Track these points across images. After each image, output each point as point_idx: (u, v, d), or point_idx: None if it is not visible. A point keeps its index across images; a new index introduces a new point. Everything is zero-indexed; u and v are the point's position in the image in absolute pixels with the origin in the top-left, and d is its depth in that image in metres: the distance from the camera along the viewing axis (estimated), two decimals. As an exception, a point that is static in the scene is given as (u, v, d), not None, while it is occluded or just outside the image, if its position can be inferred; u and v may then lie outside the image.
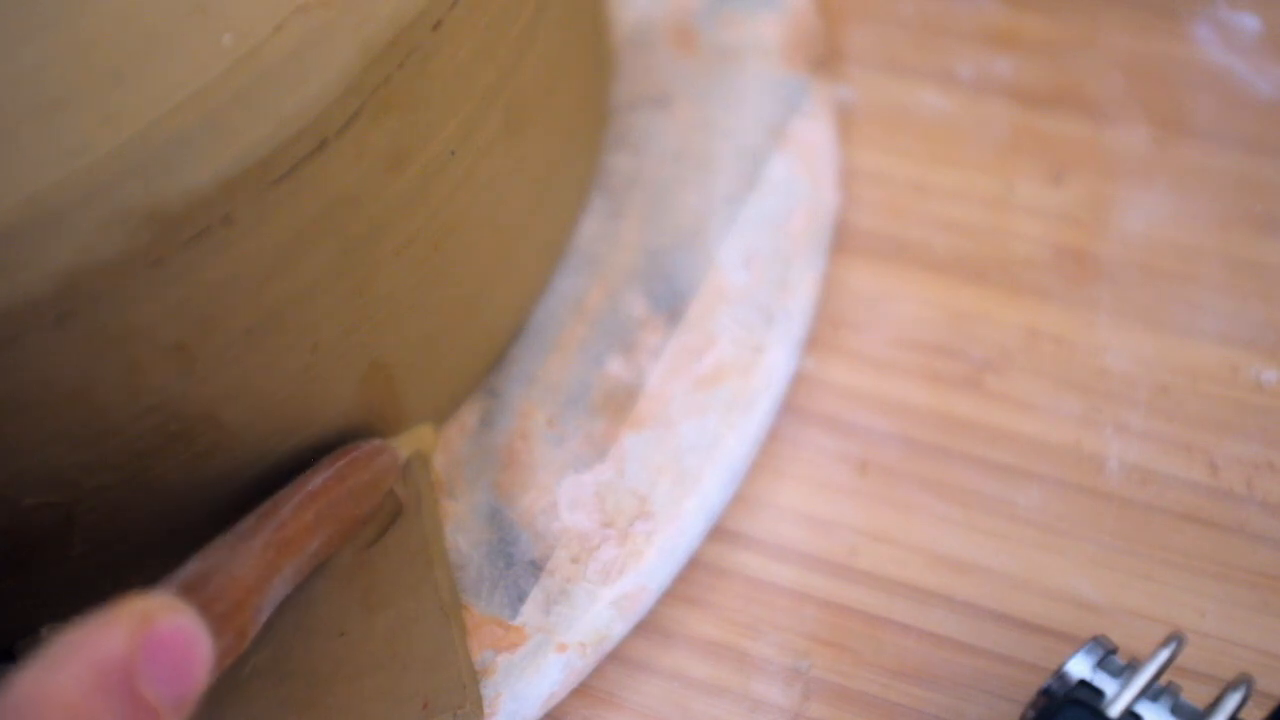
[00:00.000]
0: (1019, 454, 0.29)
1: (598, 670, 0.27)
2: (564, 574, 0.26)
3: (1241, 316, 0.30)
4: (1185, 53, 0.35)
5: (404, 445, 0.27)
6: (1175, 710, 0.22)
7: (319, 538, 0.23)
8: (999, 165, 0.33)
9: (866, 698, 0.26)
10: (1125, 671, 0.22)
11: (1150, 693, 0.22)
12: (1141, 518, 0.28)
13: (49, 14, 0.19)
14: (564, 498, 0.27)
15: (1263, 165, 0.33)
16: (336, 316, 0.23)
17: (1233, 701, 0.22)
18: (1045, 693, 0.23)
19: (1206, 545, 0.28)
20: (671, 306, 0.30)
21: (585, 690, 0.27)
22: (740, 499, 0.29)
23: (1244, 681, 0.22)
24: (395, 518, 0.26)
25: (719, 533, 0.28)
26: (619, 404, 0.28)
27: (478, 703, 0.25)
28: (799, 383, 0.30)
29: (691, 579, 0.28)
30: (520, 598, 0.26)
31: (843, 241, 0.32)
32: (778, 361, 0.29)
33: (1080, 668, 0.22)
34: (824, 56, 0.34)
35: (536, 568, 0.27)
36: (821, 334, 0.31)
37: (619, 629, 0.26)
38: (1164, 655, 0.22)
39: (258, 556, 0.21)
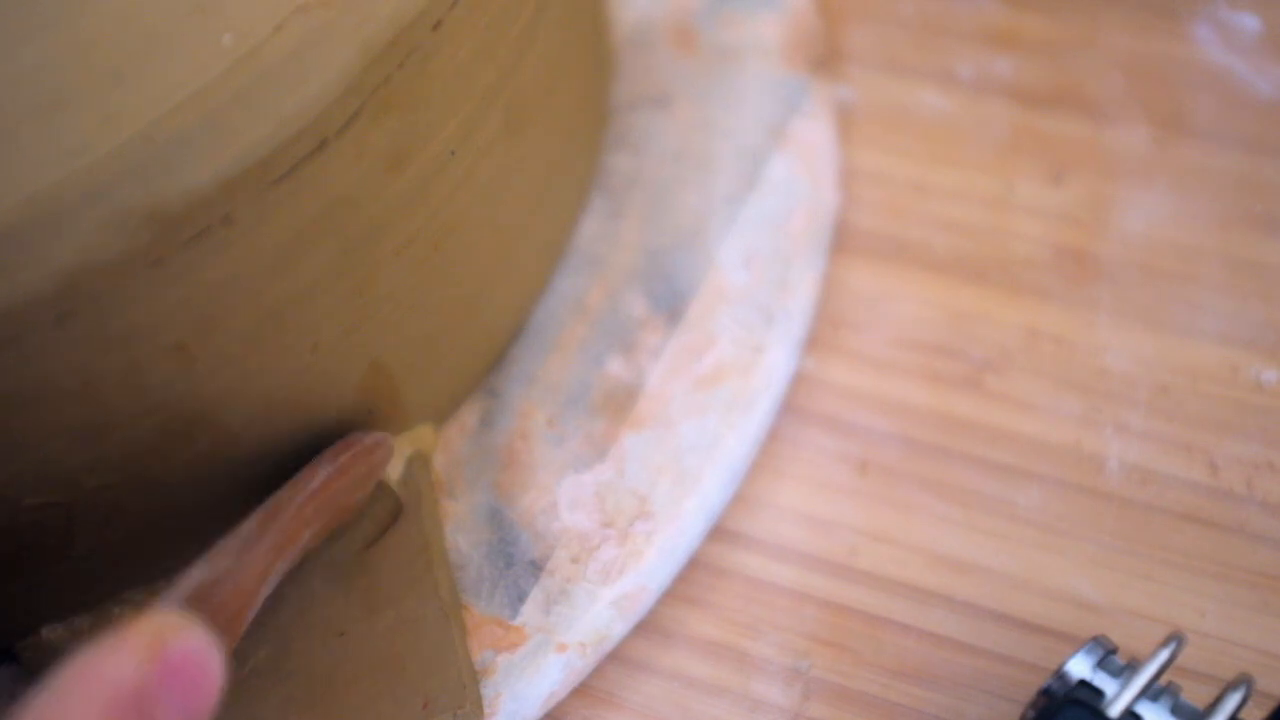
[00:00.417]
0: (1019, 454, 0.29)
1: (598, 670, 0.27)
2: (564, 574, 0.26)
3: (1241, 316, 0.30)
4: (1185, 53, 0.35)
5: (404, 445, 0.27)
6: (1175, 710, 0.22)
7: (313, 530, 0.23)
8: (999, 165, 0.33)
9: (866, 698, 0.26)
10: (1125, 671, 0.22)
11: (1150, 693, 0.22)
12: (1141, 518, 0.28)
13: (49, 14, 0.19)
14: (564, 498, 0.27)
15: (1263, 165, 0.33)
16: (336, 316, 0.23)
17: (1233, 701, 0.22)
18: (1045, 693, 0.23)
19: (1206, 545, 0.28)
20: (671, 306, 0.30)
21: (585, 690, 0.27)
22: (740, 499, 0.29)
23: (1244, 681, 0.22)
24: (395, 518, 0.26)
25: (719, 533, 0.28)
26: (619, 404, 0.28)
27: (478, 703, 0.25)
28: (799, 383, 0.30)
29: (691, 579, 0.28)
30: (520, 598, 0.26)
31: (843, 241, 0.32)
32: (778, 361, 0.29)
33: (1080, 668, 0.22)
34: (824, 56, 0.34)
35: (536, 568, 0.27)
36: (821, 334, 0.31)
37: (619, 629, 0.26)
38: (1164, 655, 0.22)
39: (263, 561, 0.21)
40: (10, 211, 0.18)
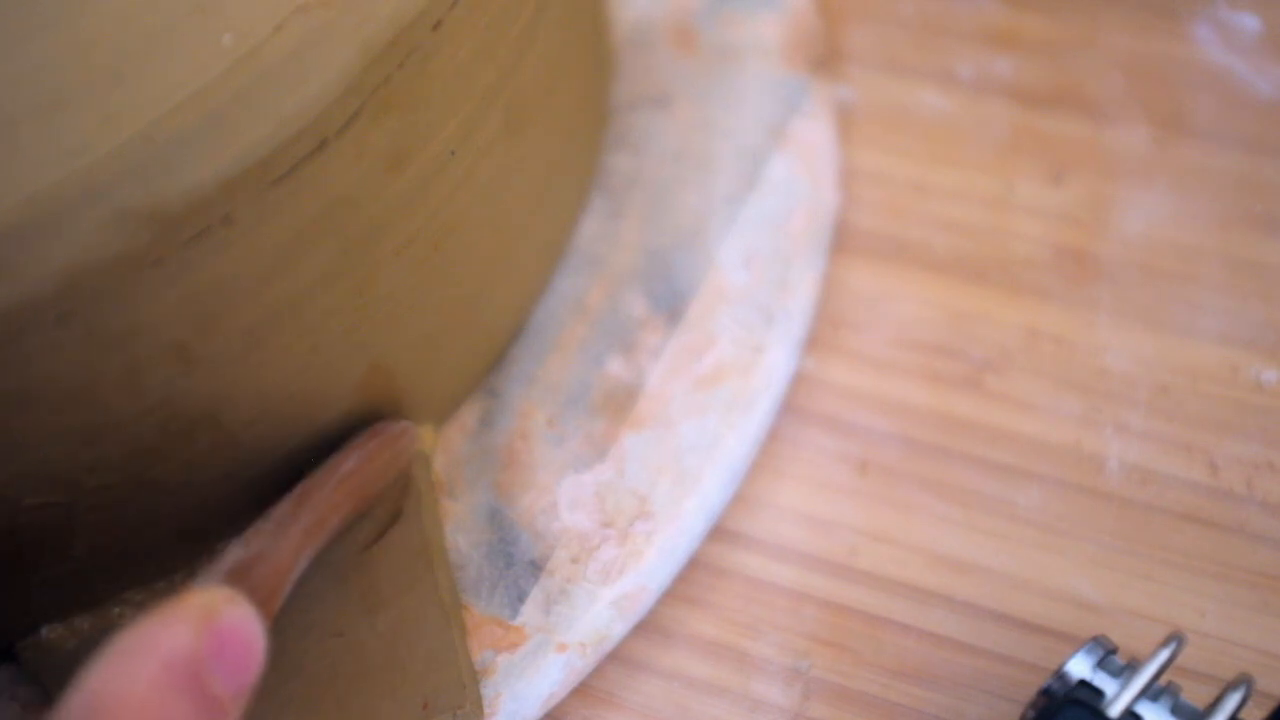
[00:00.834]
0: (1019, 454, 0.29)
1: (598, 670, 0.27)
2: (564, 574, 0.26)
3: (1241, 316, 0.30)
4: (1185, 53, 0.35)
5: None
6: (1175, 710, 0.22)
7: (342, 515, 0.24)
8: (999, 165, 0.33)
9: (866, 698, 0.26)
10: (1125, 671, 0.22)
11: (1150, 693, 0.22)
12: (1141, 518, 0.28)
13: (49, 14, 0.19)
14: (564, 498, 0.27)
15: (1263, 165, 0.33)
16: (336, 316, 0.23)
17: (1233, 701, 0.22)
18: (1045, 693, 0.23)
19: (1206, 545, 0.28)
20: (671, 306, 0.30)
21: (585, 690, 0.27)
22: (740, 499, 0.29)
23: (1244, 681, 0.22)
24: (395, 518, 0.26)
25: (719, 533, 0.28)
26: (619, 404, 0.28)
27: (478, 703, 0.25)
28: (799, 383, 0.30)
29: (691, 579, 0.28)
30: (520, 598, 0.26)
31: (843, 241, 0.32)
32: (778, 361, 0.29)
33: (1080, 668, 0.22)
34: (824, 56, 0.34)
35: (536, 568, 0.27)
36: (821, 334, 0.31)
37: (619, 629, 0.26)
38: (1164, 655, 0.22)
39: (296, 542, 0.22)
40: (10, 211, 0.18)
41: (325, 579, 0.26)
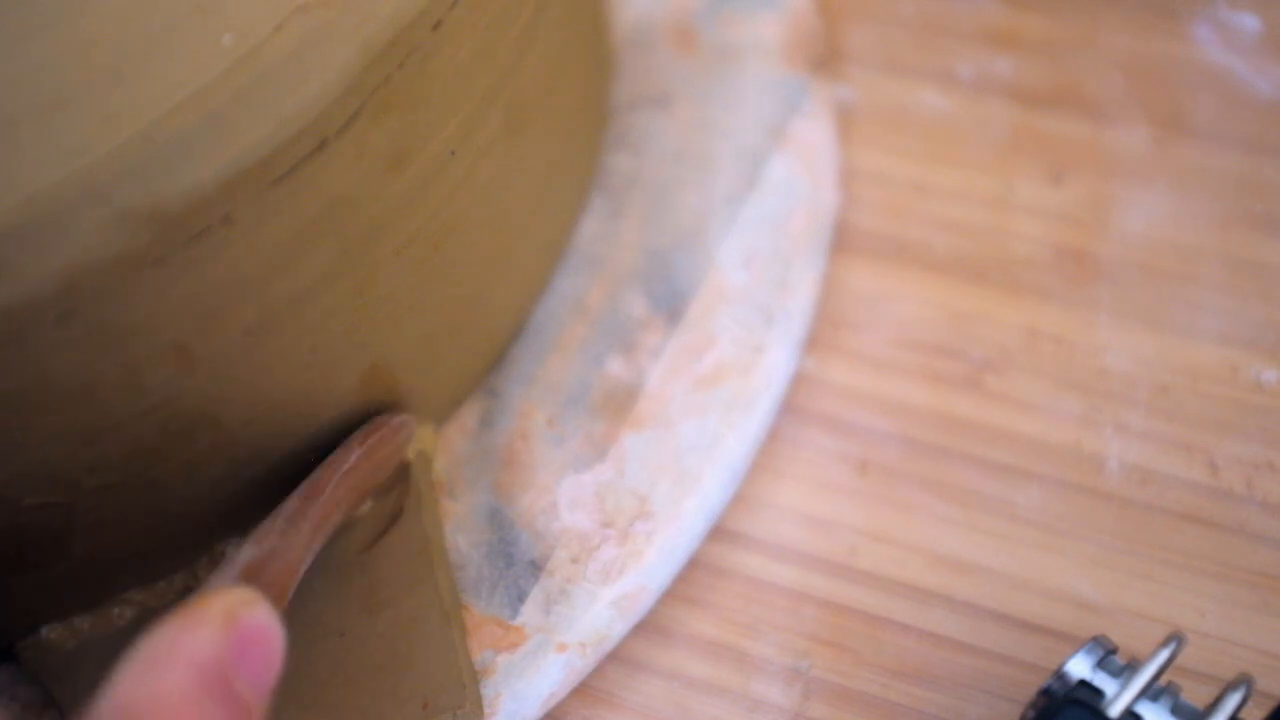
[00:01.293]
0: (1019, 454, 0.29)
1: (598, 670, 0.27)
2: (564, 574, 0.26)
3: (1241, 316, 0.30)
4: (1185, 53, 0.35)
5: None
6: (1175, 710, 0.22)
7: (344, 509, 0.24)
8: (999, 165, 0.33)
9: (866, 698, 0.26)
10: (1125, 671, 0.22)
11: (1150, 693, 0.22)
12: (1141, 518, 0.28)
13: (49, 14, 0.19)
14: (564, 498, 0.27)
15: (1263, 165, 0.33)
16: (336, 316, 0.23)
17: (1233, 701, 0.22)
18: (1045, 693, 0.23)
19: (1206, 545, 0.28)
20: (671, 306, 0.30)
21: (585, 690, 0.27)
22: (740, 499, 0.29)
23: (1244, 681, 0.22)
24: (395, 518, 0.26)
25: (719, 533, 0.28)
26: (619, 404, 0.28)
27: (478, 703, 0.25)
28: (799, 383, 0.30)
29: (691, 579, 0.28)
30: (520, 598, 0.26)
31: (843, 241, 0.32)
32: (778, 361, 0.29)
33: (1080, 668, 0.22)
34: (824, 56, 0.34)
35: (536, 568, 0.27)
36: (821, 334, 0.31)
37: (619, 629, 0.26)
38: (1164, 655, 0.22)
39: (306, 538, 0.22)
40: (10, 211, 0.18)
41: (325, 579, 0.26)
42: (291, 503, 0.23)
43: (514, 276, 0.28)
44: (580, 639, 0.26)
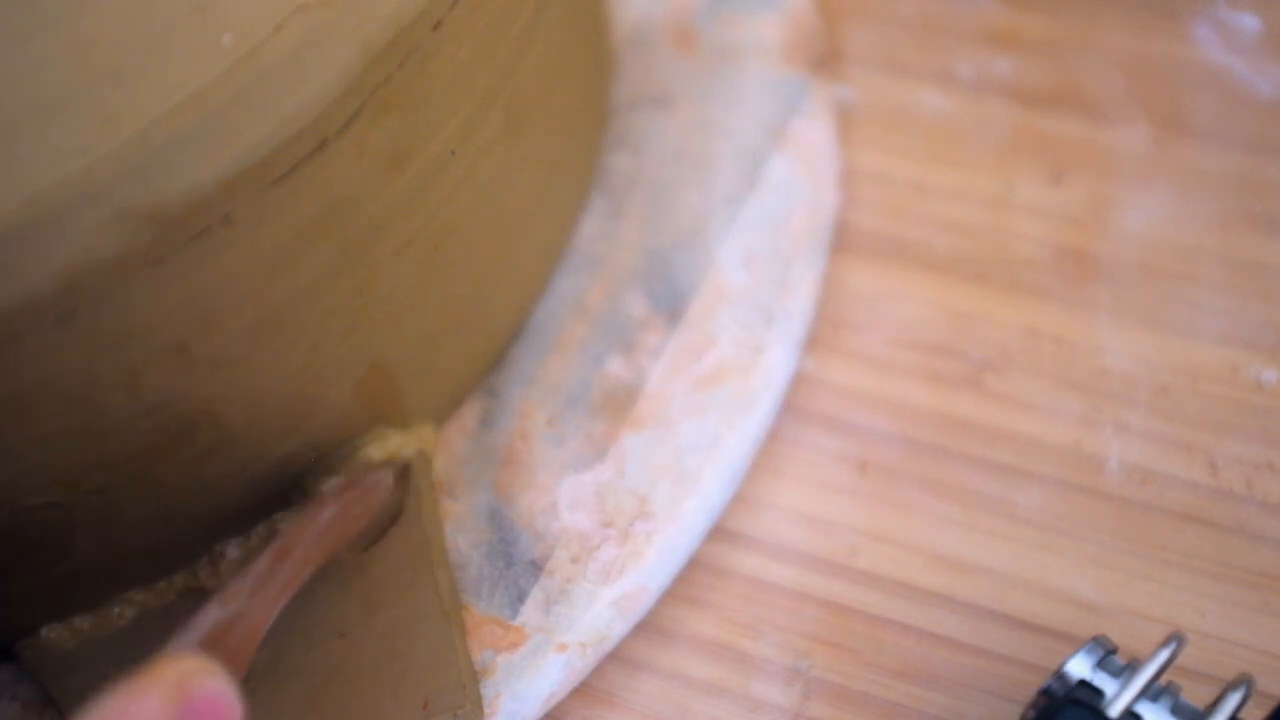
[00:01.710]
0: (1019, 454, 0.29)
1: (598, 670, 0.27)
2: (564, 574, 0.26)
3: (1241, 316, 0.30)
4: (1185, 53, 0.35)
5: (404, 445, 0.27)
6: (1175, 710, 0.22)
7: (315, 566, 0.23)
8: (999, 165, 0.33)
9: (866, 698, 0.26)
10: (1125, 671, 0.22)
11: (1150, 693, 0.22)
12: (1141, 518, 0.28)
13: (49, 14, 0.19)
14: (564, 498, 0.27)
15: (1263, 165, 0.33)
16: (336, 316, 0.23)
17: (1233, 701, 0.22)
18: (1045, 693, 0.23)
19: (1206, 545, 0.28)
20: (671, 306, 0.30)
21: (585, 690, 0.27)
22: (740, 499, 0.29)
23: (1244, 681, 0.22)
24: (395, 518, 0.26)
25: (719, 533, 0.28)
26: (619, 404, 0.28)
27: (478, 703, 0.25)
28: (799, 383, 0.30)
29: (691, 579, 0.28)
30: (520, 598, 0.26)
31: (843, 241, 0.32)
32: (778, 361, 0.29)
33: (1080, 668, 0.22)
34: (824, 56, 0.34)
35: (536, 568, 0.27)
36: (821, 334, 0.31)
37: (619, 629, 0.26)
38: (1164, 655, 0.22)
39: (273, 600, 0.21)
40: (10, 211, 0.18)
41: (325, 579, 0.26)
42: (262, 562, 0.22)
43: (514, 276, 0.28)
44: (580, 639, 0.26)
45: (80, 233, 0.18)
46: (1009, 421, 0.29)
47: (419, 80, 0.22)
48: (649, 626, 0.27)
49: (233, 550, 0.26)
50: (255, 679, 0.25)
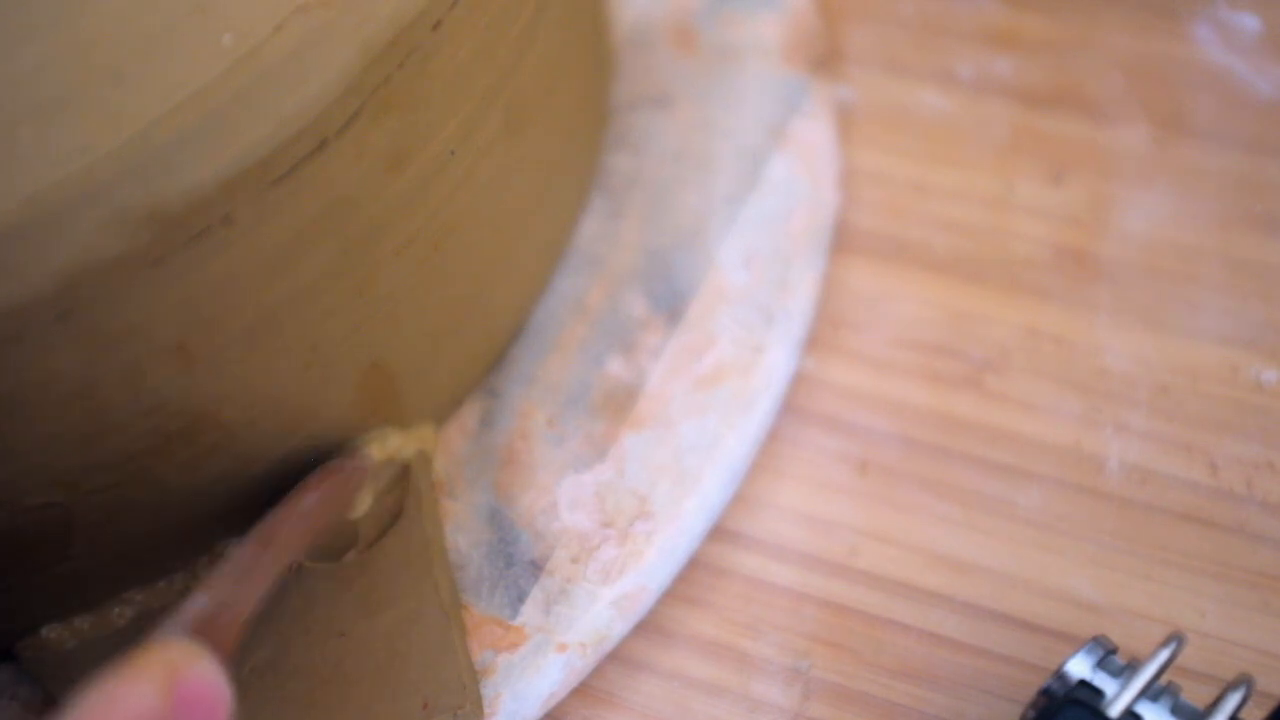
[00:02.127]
0: (1019, 454, 0.29)
1: (598, 670, 0.27)
2: (564, 574, 0.26)
3: (1241, 316, 0.30)
4: (1185, 53, 0.35)
5: (404, 445, 0.27)
6: (1175, 710, 0.22)
7: (298, 553, 0.23)
8: (999, 165, 0.33)
9: (866, 698, 0.26)
10: (1125, 671, 0.22)
11: (1150, 693, 0.22)
12: (1141, 518, 0.28)
13: (49, 14, 0.19)
14: (564, 498, 0.27)
15: (1263, 165, 0.33)
16: (336, 316, 0.23)
17: (1233, 701, 0.22)
18: (1045, 693, 0.23)
19: (1206, 545, 0.28)
20: (671, 306, 0.30)
21: (585, 690, 0.27)
22: (740, 499, 0.29)
23: (1244, 681, 0.22)
24: (395, 518, 0.26)
25: (719, 533, 0.28)
26: (619, 404, 0.28)
27: (478, 703, 0.25)
28: (799, 383, 0.30)
29: (691, 579, 0.28)
30: (520, 598, 0.26)
31: (843, 241, 0.32)
32: (778, 361, 0.29)
33: (1080, 668, 0.22)
34: (824, 56, 0.34)
35: (536, 568, 0.27)
36: (821, 334, 0.31)
37: (619, 629, 0.26)
38: (1164, 655, 0.22)
39: (257, 588, 0.21)
40: (10, 211, 0.18)
41: (325, 579, 0.26)
42: (245, 550, 0.22)
43: (514, 276, 0.28)
44: (580, 639, 0.26)
45: (80, 233, 0.18)
46: (1009, 421, 0.29)
47: (419, 80, 0.22)
48: (649, 626, 0.27)
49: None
50: (256, 678, 0.25)
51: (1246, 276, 0.31)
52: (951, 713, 0.26)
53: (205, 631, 0.19)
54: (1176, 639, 0.22)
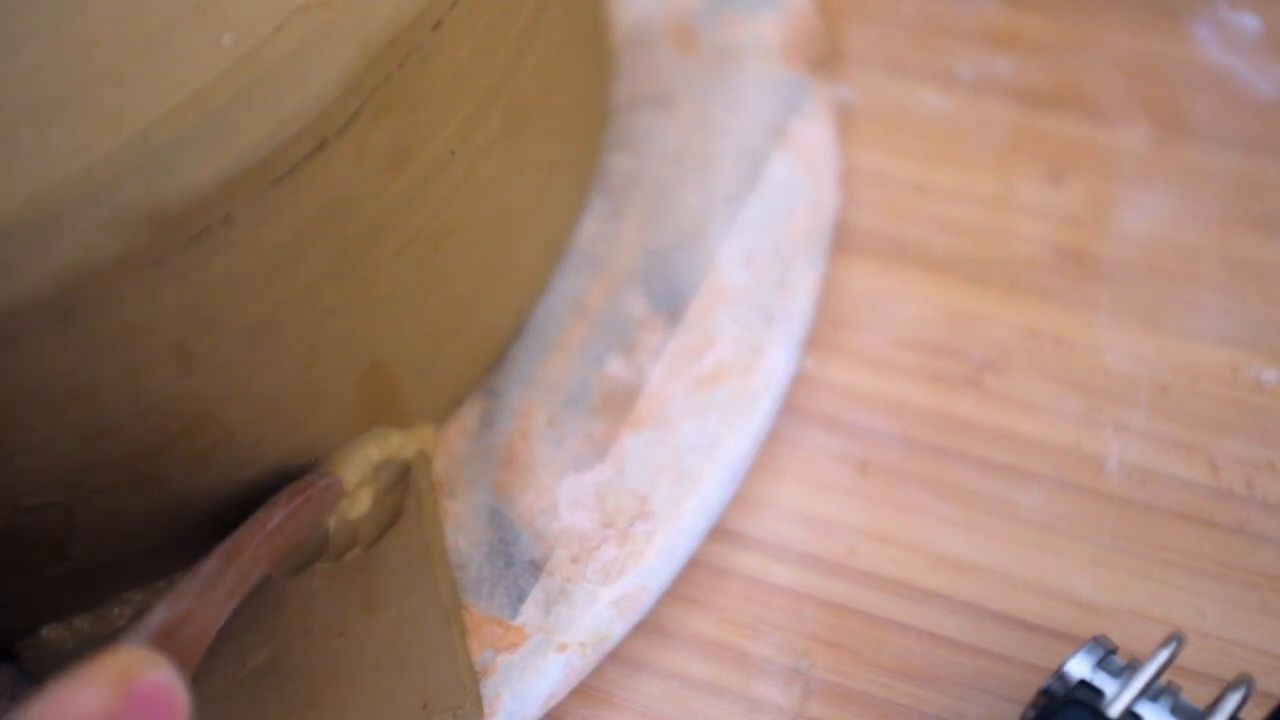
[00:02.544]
0: (1019, 454, 0.29)
1: (598, 670, 0.27)
2: (564, 574, 0.26)
3: (1241, 316, 0.30)
4: (1185, 53, 0.35)
5: (404, 445, 0.27)
6: (1175, 710, 0.22)
7: (263, 569, 0.23)
8: (999, 165, 0.33)
9: (866, 698, 0.26)
10: (1125, 671, 0.22)
11: (1150, 693, 0.22)
12: (1141, 518, 0.28)
13: (49, 14, 0.19)
14: (564, 498, 0.27)
15: (1263, 165, 0.33)
16: (336, 316, 0.23)
17: (1233, 701, 0.22)
18: (1045, 693, 0.23)
19: (1206, 545, 0.28)
20: (671, 306, 0.30)
21: (585, 690, 0.27)
22: (740, 499, 0.29)
23: (1244, 681, 0.22)
24: (395, 518, 0.26)
25: (719, 533, 0.28)
26: (619, 404, 0.28)
27: (478, 703, 0.25)
28: (799, 383, 0.30)
29: (691, 579, 0.28)
30: (520, 598, 0.26)
31: (843, 241, 0.32)
32: (778, 361, 0.29)
33: (1080, 668, 0.22)
34: (824, 56, 0.34)
35: (536, 568, 0.27)
36: (821, 334, 0.31)
37: (619, 629, 0.26)
38: (1164, 655, 0.22)
39: (222, 600, 0.21)
40: (10, 212, 0.18)
41: (325, 579, 0.26)
42: (211, 563, 0.22)
43: (514, 276, 0.28)
44: (580, 639, 0.26)
45: (80, 233, 0.18)
46: (1009, 421, 0.29)
47: (419, 80, 0.22)
48: (649, 626, 0.27)
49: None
50: (256, 678, 0.25)
51: (1246, 276, 0.31)
52: (951, 713, 0.26)
53: (166, 642, 0.19)
54: (1176, 639, 0.22)
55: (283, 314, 0.22)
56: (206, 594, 0.21)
